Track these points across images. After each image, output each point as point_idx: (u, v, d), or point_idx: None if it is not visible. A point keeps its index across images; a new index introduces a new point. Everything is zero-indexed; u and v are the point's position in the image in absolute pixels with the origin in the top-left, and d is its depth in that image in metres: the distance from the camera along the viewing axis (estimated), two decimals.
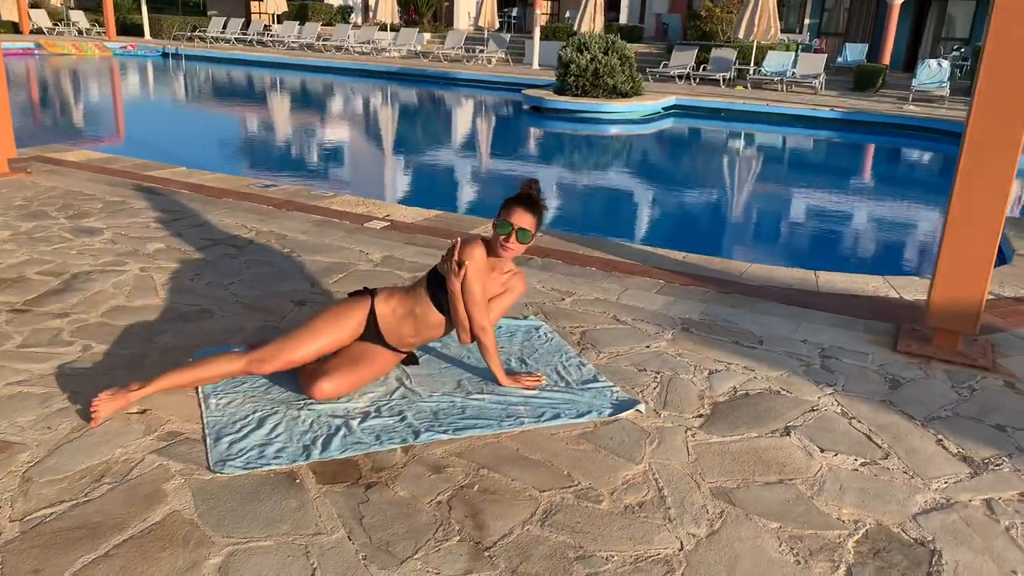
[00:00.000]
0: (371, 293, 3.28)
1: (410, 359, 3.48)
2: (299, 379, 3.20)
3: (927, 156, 14.63)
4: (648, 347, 3.81)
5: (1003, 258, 5.84)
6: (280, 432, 2.89)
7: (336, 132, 14.59)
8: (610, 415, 3.12)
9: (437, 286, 3.23)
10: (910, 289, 4.82)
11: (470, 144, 13.96)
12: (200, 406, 3.05)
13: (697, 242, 7.91)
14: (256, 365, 3.07)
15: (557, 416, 3.08)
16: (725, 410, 3.22)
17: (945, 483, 2.79)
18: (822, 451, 2.95)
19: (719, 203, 9.94)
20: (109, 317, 3.85)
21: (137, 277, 4.42)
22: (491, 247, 3.22)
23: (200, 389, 3.14)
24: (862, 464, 2.88)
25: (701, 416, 3.17)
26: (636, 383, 3.42)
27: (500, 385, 3.31)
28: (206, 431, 2.87)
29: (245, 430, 2.89)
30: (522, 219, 3.15)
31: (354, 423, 2.96)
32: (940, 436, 3.10)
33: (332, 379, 3.06)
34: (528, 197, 3.20)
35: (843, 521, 2.54)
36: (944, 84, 18.13)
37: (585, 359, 3.62)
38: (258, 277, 4.51)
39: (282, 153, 12.28)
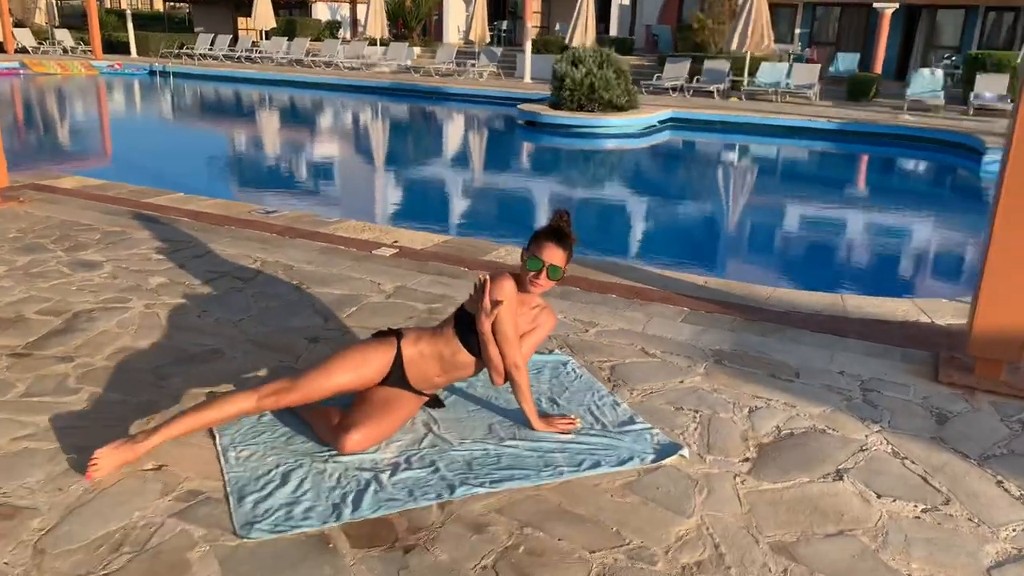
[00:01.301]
0: (396, 334, 3.11)
1: (435, 402, 3.31)
2: (316, 430, 3.02)
3: (931, 167, 14.57)
4: (682, 383, 3.65)
5: None
6: (307, 489, 2.71)
7: (332, 151, 14.44)
8: (653, 462, 2.95)
9: (466, 326, 3.07)
10: (941, 313, 4.68)
11: (469, 162, 13.81)
12: (219, 460, 2.86)
13: (712, 261, 7.79)
14: (270, 400, 2.89)
15: (597, 464, 2.91)
16: (772, 453, 3.07)
17: (1014, 530, 2.64)
18: (879, 497, 2.80)
19: (727, 220, 9.82)
20: (115, 360, 3.66)
21: (142, 315, 4.23)
22: (520, 281, 3.07)
23: (217, 440, 2.96)
24: (923, 511, 2.73)
25: (747, 460, 3.01)
26: (675, 424, 3.26)
27: (533, 429, 3.14)
28: (228, 489, 2.69)
29: (270, 487, 2.71)
30: (552, 255, 3.01)
31: (384, 477, 2.79)
32: (999, 477, 2.95)
33: (361, 430, 2.89)
34: (558, 231, 3.05)
35: None
36: (938, 93, 18.14)
37: (619, 398, 3.46)
38: (267, 312, 4.33)
39: (279, 175, 12.10)
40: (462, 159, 14.20)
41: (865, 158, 15.14)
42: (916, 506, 2.75)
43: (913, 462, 3.04)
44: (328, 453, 2.92)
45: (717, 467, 2.95)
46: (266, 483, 2.73)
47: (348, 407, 3.04)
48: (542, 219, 9.71)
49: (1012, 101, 18.03)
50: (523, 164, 14.07)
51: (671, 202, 11.11)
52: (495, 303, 2.97)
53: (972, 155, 13.12)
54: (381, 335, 3.13)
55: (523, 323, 3.14)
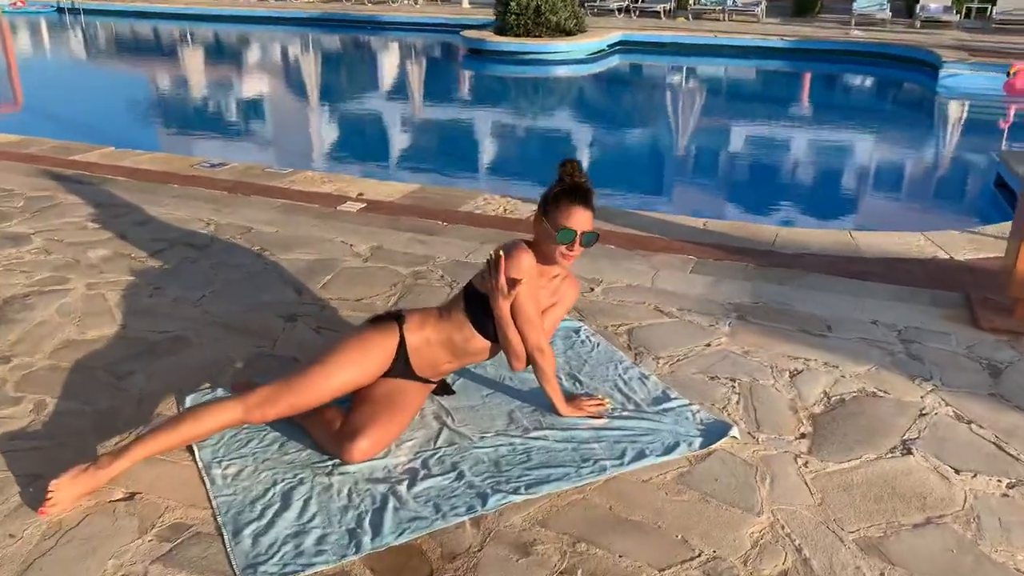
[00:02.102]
0: (398, 319, 2.67)
1: (443, 388, 2.90)
2: (313, 436, 2.59)
3: (890, 85, 14.34)
4: (708, 346, 3.31)
5: None
6: (314, 512, 2.29)
7: (266, 90, 13.51)
8: (702, 446, 2.61)
9: (479, 308, 2.64)
10: (956, 247, 4.42)
11: (414, 97, 13.04)
12: (203, 481, 2.42)
13: (696, 196, 7.42)
14: (257, 411, 2.44)
15: (642, 455, 2.56)
16: (827, 425, 2.75)
17: None
18: (957, 473, 2.51)
19: (701, 151, 9.44)
20: (61, 357, 3.14)
21: (85, 298, 3.68)
22: (539, 253, 2.64)
23: (197, 455, 2.51)
24: (1009, 486, 2.45)
25: (804, 436, 2.69)
26: (713, 397, 2.92)
27: (559, 415, 2.76)
28: (220, 520, 2.25)
29: (269, 513, 2.28)
30: (582, 219, 2.58)
31: (402, 489, 2.39)
32: None
33: (369, 435, 2.46)
34: (580, 188, 2.60)
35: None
36: (885, 6, 17.89)
37: (645, 369, 3.10)
38: (231, 287, 3.82)
39: (216, 121, 11.23)
40: (406, 94, 13.41)
41: (823, 77, 14.87)
42: (1000, 481, 2.47)
43: (980, 426, 2.76)
44: (331, 463, 2.50)
45: (773, 447, 2.63)
46: (264, 507, 2.31)
47: (348, 407, 2.61)
48: (507, 156, 9.21)
49: (957, 13, 17.98)
50: (474, 97, 13.40)
51: (636, 133, 10.68)
52: (513, 282, 2.54)
53: (929, 70, 12.92)
54: (379, 320, 2.68)
55: (544, 298, 2.72)
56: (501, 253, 2.57)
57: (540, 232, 2.63)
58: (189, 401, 2.82)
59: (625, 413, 2.81)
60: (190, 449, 2.54)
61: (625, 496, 2.38)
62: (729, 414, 2.81)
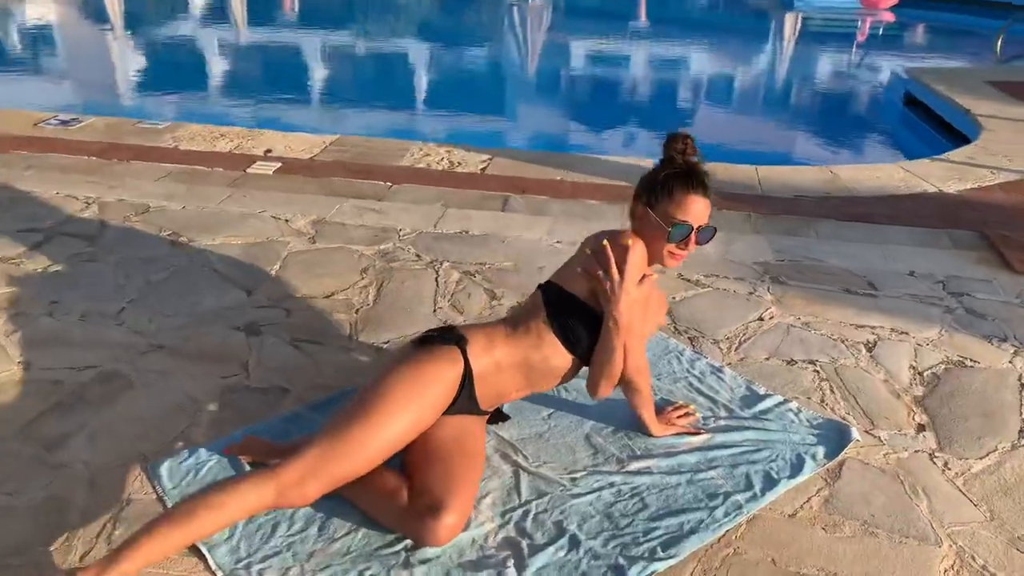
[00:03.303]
0: (458, 341, 2.03)
1: (496, 413, 2.31)
2: (365, 508, 1.94)
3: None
4: (761, 320, 2.89)
5: (963, 139, 5.47)
6: None
7: (104, 11, 11.45)
8: (827, 456, 2.20)
9: (568, 314, 2.06)
10: (935, 177, 4.25)
11: (287, 15, 11.48)
12: None
13: (644, 136, 6.89)
14: (295, 490, 1.77)
15: (771, 480, 2.11)
16: (939, 411, 2.42)
17: None
18: None
19: (652, 79, 8.88)
20: None
21: None
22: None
23: (211, 559, 1.80)
24: None
25: (923, 428, 2.34)
26: (802, 386, 2.52)
27: (651, 435, 2.26)
28: None
29: None
30: (700, 211, 2.04)
31: (511, 573, 1.81)
32: None
33: (454, 504, 1.83)
34: (695, 171, 2.04)
35: None
36: None
37: (711, 359, 2.64)
38: (155, 292, 2.96)
39: (45, 52, 9.37)
40: (278, 17, 11.85)
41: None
42: None
43: None
44: (402, 546, 1.87)
45: (900, 447, 2.26)
46: None
47: (401, 463, 1.97)
48: (426, 91, 8.23)
49: None
50: (377, 21, 12.06)
51: (570, 65, 9.94)
52: (640, 277, 2.02)
53: None
54: (431, 342, 2.03)
55: (635, 311, 2.15)
56: (607, 243, 1.99)
57: (643, 226, 2.06)
58: (165, 473, 2.05)
59: (721, 422, 2.34)
60: (198, 553, 1.82)
61: (781, 541, 1.93)
62: (834, 410, 2.42)
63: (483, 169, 4.27)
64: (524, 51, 9.98)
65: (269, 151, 4.44)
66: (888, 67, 8.37)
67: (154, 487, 2.01)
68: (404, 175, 4.14)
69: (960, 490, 2.11)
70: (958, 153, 4.66)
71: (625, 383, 2.15)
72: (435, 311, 2.87)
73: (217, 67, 9.00)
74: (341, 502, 1.94)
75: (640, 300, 2.09)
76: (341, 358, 2.59)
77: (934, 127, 6.13)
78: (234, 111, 6.75)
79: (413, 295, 2.97)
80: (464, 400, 2.03)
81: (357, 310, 2.86)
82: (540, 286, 2.15)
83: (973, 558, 1.90)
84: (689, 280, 3.14)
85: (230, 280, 3.04)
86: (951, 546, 1.93)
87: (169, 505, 1.94)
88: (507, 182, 4.06)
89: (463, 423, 2.04)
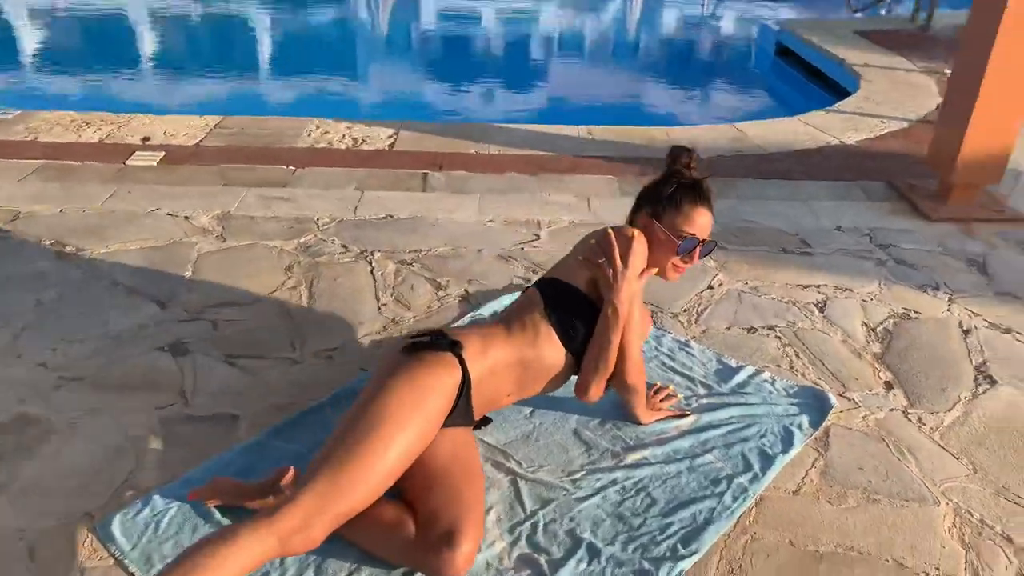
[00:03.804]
0: (452, 346, 1.86)
1: (481, 420, 2.15)
2: (370, 548, 1.74)
3: None
4: (711, 287, 2.87)
5: (838, 88, 5.68)
6: None
7: None
8: (812, 425, 2.21)
9: (567, 305, 1.95)
10: (834, 129, 4.39)
11: None
12: None
13: (552, 99, 6.69)
14: (299, 537, 1.56)
15: (768, 457, 2.08)
16: (901, 367, 2.48)
17: None
18: None
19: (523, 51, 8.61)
20: None
21: None
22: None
23: None
24: None
25: (890, 385, 2.39)
26: (767, 354, 2.52)
27: (639, 423, 2.18)
28: None
29: None
30: (706, 225, 2.03)
31: None
32: None
33: (467, 530, 1.67)
34: (701, 185, 2.03)
35: None
36: None
37: (676, 334, 2.59)
38: (51, 315, 2.58)
39: None
40: None
41: None
42: None
43: (1020, 334, 2.67)
44: None
45: (875, 408, 2.30)
46: None
47: (403, 490, 1.79)
48: (303, 59, 7.65)
49: None
50: None
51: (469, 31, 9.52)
52: (640, 269, 1.92)
53: None
54: (422, 348, 1.84)
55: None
56: (611, 231, 1.89)
57: (651, 240, 2.00)
58: (119, 531, 1.77)
59: (703, 401, 2.30)
60: None
61: (793, 521, 1.91)
62: (804, 376, 2.43)
63: (391, 145, 4.03)
64: (412, 14, 9.58)
65: (147, 139, 4.00)
66: (754, 20, 8.60)
67: (108, 550, 1.74)
68: (306, 157, 3.84)
69: (940, 445, 2.16)
70: (847, 104, 4.84)
71: (622, 383, 2.05)
72: (380, 308, 2.66)
73: (64, 41, 8.05)
74: (334, 541, 1.74)
75: (640, 294, 2.01)
76: (289, 372, 2.34)
77: (808, 77, 6.36)
78: (93, 94, 6.05)
79: (351, 292, 2.75)
80: (460, 410, 1.87)
81: (293, 315, 2.61)
82: (535, 282, 2.02)
83: (969, 513, 1.94)
84: None
85: (138, 293, 2.70)
86: (947, 503, 1.97)
87: (133, 570, 1.68)
88: (420, 158, 3.84)
89: (456, 436, 1.88)
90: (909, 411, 2.29)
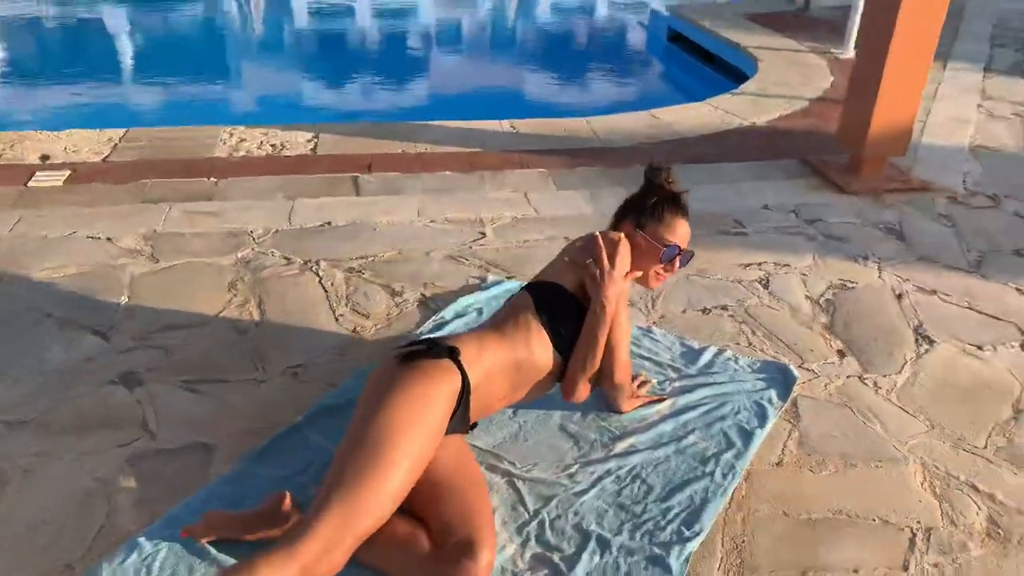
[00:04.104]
0: (448, 351, 1.83)
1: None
2: (386, 568, 1.70)
3: None
4: None
5: (734, 72, 5.90)
6: None
7: None
8: (780, 398, 2.30)
9: (556, 305, 1.97)
10: (745, 111, 4.56)
11: None
12: None
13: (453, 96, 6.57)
14: (324, 565, 1.53)
15: (747, 433, 2.15)
16: (848, 334, 2.62)
17: None
18: (981, 349, 2.57)
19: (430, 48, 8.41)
20: None
21: None
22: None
23: None
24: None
25: (843, 353, 2.53)
26: (725, 333, 2.61)
27: (620, 411, 2.22)
28: None
29: None
30: (686, 234, 2.14)
31: None
32: (1014, 284, 2.95)
33: (485, 538, 1.65)
34: (680, 197, 2.13)
35: None
36: None
37: (637, 322, 2.64)
38: None
39: None
40: None
41: None
42: (1015, 344, 2.59)
43: (946, 295, 2.87)
44: None
45: (833, 376, 2.42)
46: None
47: (410, 503, 1.75)
48: (209, 57, 7.26)
49: None
50: None
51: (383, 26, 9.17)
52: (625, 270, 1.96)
53: None
54: (417, 357, 1.81)
55: None
56: (598, 234, 1.92)
57: (633, 246, 2.06)
58: None
59: (676, 384, 2.36)
60: None
61: (782, 492, 1.98)
62: (763, 351, 2.53)
63: (313, 149, 3.91)
64: (297, 12, 9.27)
65: (46, 157, 3.73)
66: (642, 6, 8.80)
67: None
68: (226, 167, 3.68)
69: (898, 406, 2.30)
70: (750, 86, 5.04)
71: (610, 382, 2.09)
72: (337, 320, 2.59)
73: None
74: (349, 564, 1.69)
75: (626, 295, 2.05)
76: (256, 394, 2.25)
77: (703, 62, 6.58)
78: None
79: (303, 306, 2.66)
80: (458, 416, 1.85)
81: (247, 333, 2.51)
82: (524, 285, 2.03)
83: (936, 467, 2.08)
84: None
85: (74, 324, 2.52)
86: (915, 460, 2.10)
87: None
88: (346, 161, 3.75)
89: (454, 443, 1.86)
90: (864, 376, 2.42)
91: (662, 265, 2.08)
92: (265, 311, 2.62)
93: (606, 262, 1.96)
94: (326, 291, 2.75)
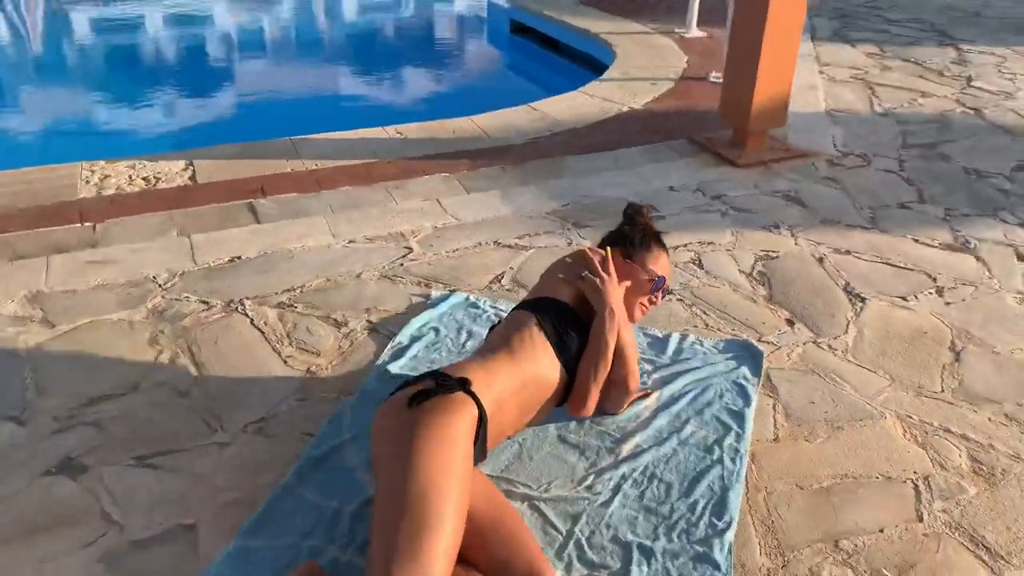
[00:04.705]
0: (460, 384, 1.72)
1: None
2: None
3: None
4: None
5: (585, 58, 6.02)
6: None
7: None
8: (754, 374, 2.37)
9: (558, 317, 1.91)
10: (620, 97, 4.65)
11: None
12: None
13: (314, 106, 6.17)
14: None
15: (738, 416, 2.19)
16: (790, 303, 2.74)
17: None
18: (906, 299, 2.77)
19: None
20: None
21: None
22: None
23: None
24: (937, 291, 2.80)
25: (792, 322, 2.64)
26: (681, 318, 2.65)
27: (615, 413, 2.19)
28: None
29: None
30: (668, 266, 2.21)
31: None
32: (913, 235, 3.19)
33: (543, 571, 1.58)
34: (659, 234, 2.23)
35: None
36: None
37: None
38: None
39: None
40: None
41: None
42: (932, 292, 2.80)
43: (859, 253, 3.06)
44: None
45: (791, 344, 2.52)
46: None
47: (470, 550, 1.63)
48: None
49: None
50: None
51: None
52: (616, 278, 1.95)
53: None
54: (430, 395, 1.68)
55: None
56: (588, 248, 1.92)
57: (626, 279, 2.10)
58: None
59: (655, 376, 2.36)
60: None
61: (789, 466, 2.04)
62: (722, 330, 2.59)
63: (192, 179, 3.58)
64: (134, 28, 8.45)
65: None
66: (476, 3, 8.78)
67: None
68: (99, 208, 3.29)
69: (857, 365, 2.43)
70: (614, 71, 5.14)
71: (622, 389, 2.06)
72: (286, 362, 2.39)
73: None
74: None
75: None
76: (222, 458, 2.02)
77: (551, 49, 6.66)
78: None
79: (242, 352, 2.42)
80: (478, 448, 1.75)
81: (189, 393, 2.25)
82: (518, 305, 1.95)
83: (910, 417, 2.21)
84: (511, 247, 3.04)
85: None
86: (891, 414, 2.22)
87: None
88: (235, 187, 3.46)
89: (477, 476, 1.76)
90: (818, 341, 2.54)
91: (647, 297, 2.13)
92: (202, 364, 2.37)
93: (602, 272, 1.97)
94: (262, 332, 2.52)
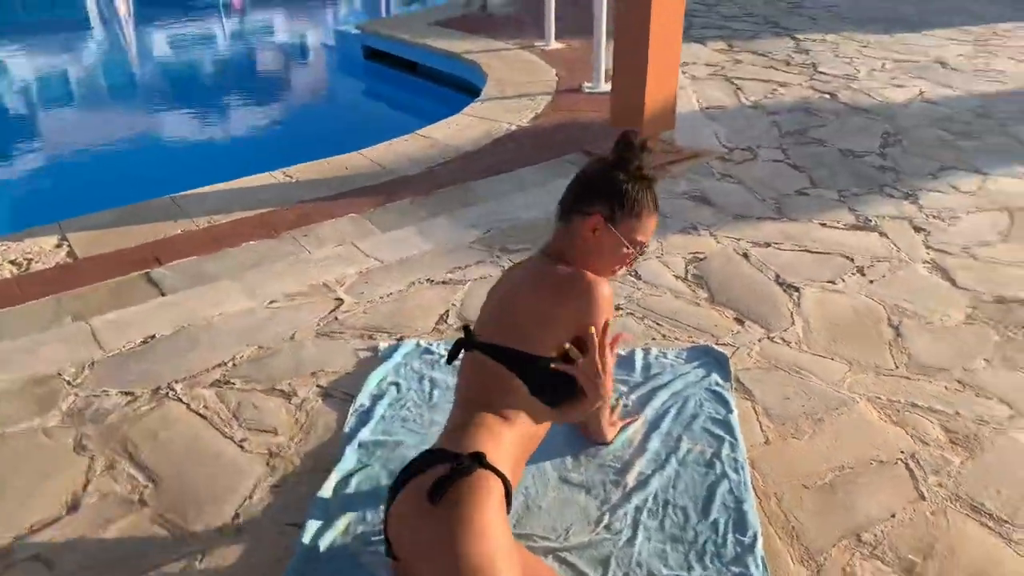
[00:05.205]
0: (477, 460, 1.58)
1: None
2: None
3: None
4: None
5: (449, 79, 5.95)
6: None
7: None
8: (725, 380, 2.39)
9: (542, 384, 1.72)
10: (504, 116, 4.62)
11: None
12: None
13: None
14: None
15: (725, 424, 2.20)
16: (734, 303, 2.79)
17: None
18: (833, 283, 2.89)
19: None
20: None
21: None
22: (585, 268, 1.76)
23: None
24: (860, 270, 2.94)
25: (740, 320, 2.69)
26: (636, 332, 2.64)
27: (606, 442, 2.14)
28: None
29: None
30: (654, 227, 1.82)
31: None
32: (822, 220, 3.35)
33: None
34: (653, 186, 1.80)
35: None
36: None
37: None
38: None
39: None
40: None
41: None
42: (888, 265, 2.95)
43: (778, 242, 3.17)
44: None
45: (749, 343, 2.56)
46: None
47: None
48: None
49: None
50: None
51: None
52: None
53: None
54: (448, 483, 1.51)
55: None
56: (592, 331, 1.67)
57: (599, 244, 1.75)
58: None
59: (632, 396, 2.33)
60: None
61: (788, 467, 2.06)
62: (679, 339, 2.59)
63: (70, 255, 3.21)
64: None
65: None
66: (321, 28, 8.51)
67: None
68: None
69: (813, 354, 2.50)
70: (491, 91, 5.11)
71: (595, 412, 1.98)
72: (242, 447, 2.17)
73: None
74: None
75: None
76: (204, 570, 1.80)
77: (410, 72, 6.55)
78: None
79: (189, 444, 2.18)
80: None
81: (144, 501, 1.99)
82: (475, 346, 1.76)
83: (878, 397, 2.30)
84: (445, 283, 2.92)
85: None
86: (860, 397, 2.30)
87: None
88: (123, 258, 3.14)
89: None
90: (771, 336, 2.60)
91: (621, 266, 1.80)
92: (147, 466, 2.10)
93: (609, 385, 1.70)
94: (204, 417, 2.28)
